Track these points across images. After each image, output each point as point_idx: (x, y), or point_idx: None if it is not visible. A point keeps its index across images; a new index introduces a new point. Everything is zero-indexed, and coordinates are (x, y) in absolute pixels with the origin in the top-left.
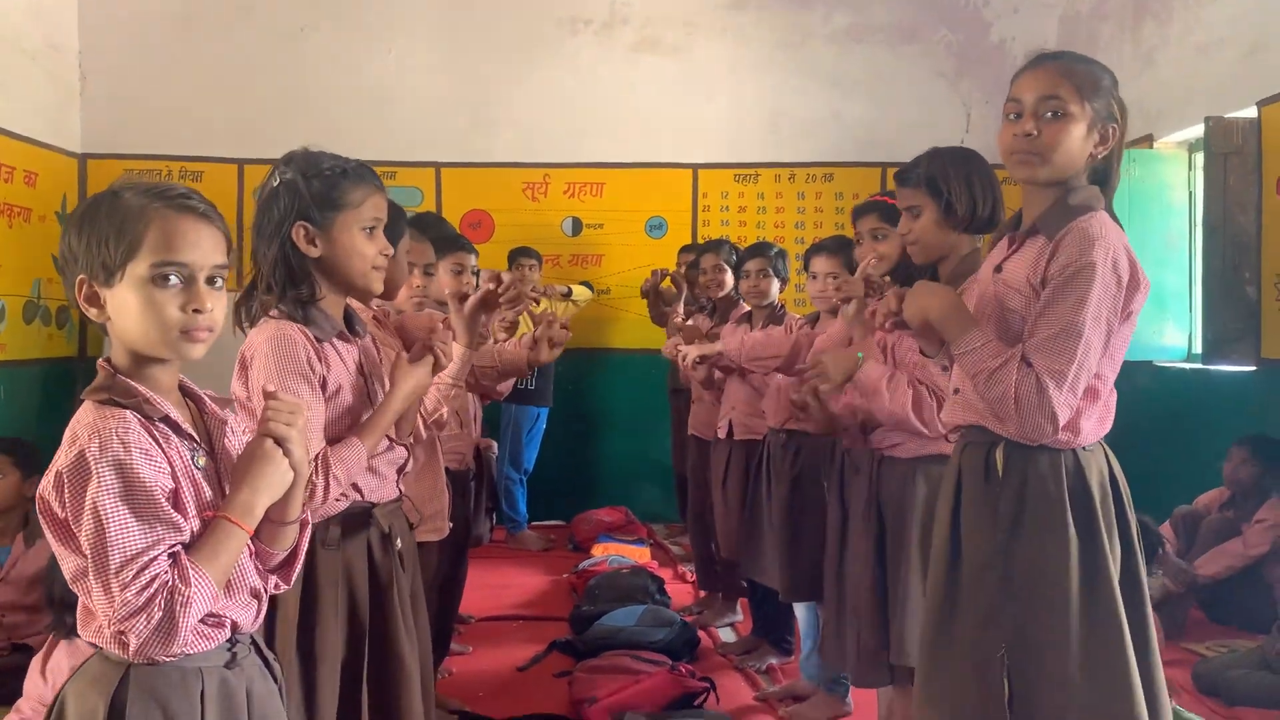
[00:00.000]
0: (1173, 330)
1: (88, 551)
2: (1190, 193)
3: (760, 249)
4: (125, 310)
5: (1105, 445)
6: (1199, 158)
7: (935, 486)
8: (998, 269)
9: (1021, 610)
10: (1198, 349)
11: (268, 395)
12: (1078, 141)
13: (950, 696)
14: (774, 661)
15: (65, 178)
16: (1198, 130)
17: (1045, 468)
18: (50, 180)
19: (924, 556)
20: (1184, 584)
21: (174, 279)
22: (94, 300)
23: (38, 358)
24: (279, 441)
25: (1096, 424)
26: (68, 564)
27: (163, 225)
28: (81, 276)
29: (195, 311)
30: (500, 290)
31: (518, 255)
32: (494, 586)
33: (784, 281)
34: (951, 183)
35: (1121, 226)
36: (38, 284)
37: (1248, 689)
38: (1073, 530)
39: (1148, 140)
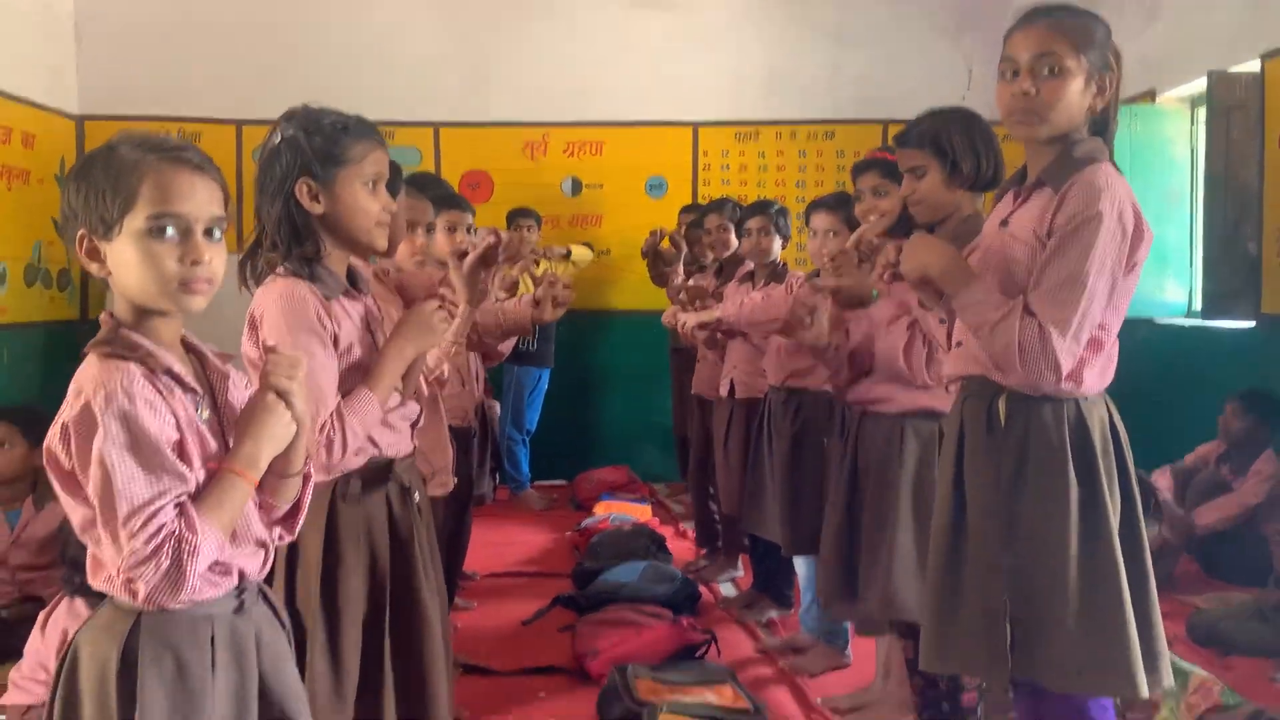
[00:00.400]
0: (1173, 286)
1: (95, 502)
2: (1192, 148)
3: (761, 207)
4: (124, 263)
5: (1107, 396)
6: (1201, 112)
7: (926, 441)
8: (1004, 223)
9: (1023, 558)
10: (1198, 305)
11: (268, 350)
12: (1076, 96)
13: (958, 645)
14: (774, 615)
15: (63, 140)
16: (1200, 85)
17: (1048, 418)
18: (48, 142)
19: (916, 512)
20: (1183, 533)
21: (170, 231)
22: (94, 255)
23: (40, 320)
24: (280, 394)
25: (1099, 375)
26: (75, 514)
27: (157, 178)
28: (82, 232)
29: (193, 263)
30: (501, 246)
31: (516, 216)
32: (497, 544)
33: (786, 239)
34: (955, 141)
35: (1122, 175)
36: (38, 246)
37: (1242, 639)
38: (1074, 480)
39: (1150, 95)
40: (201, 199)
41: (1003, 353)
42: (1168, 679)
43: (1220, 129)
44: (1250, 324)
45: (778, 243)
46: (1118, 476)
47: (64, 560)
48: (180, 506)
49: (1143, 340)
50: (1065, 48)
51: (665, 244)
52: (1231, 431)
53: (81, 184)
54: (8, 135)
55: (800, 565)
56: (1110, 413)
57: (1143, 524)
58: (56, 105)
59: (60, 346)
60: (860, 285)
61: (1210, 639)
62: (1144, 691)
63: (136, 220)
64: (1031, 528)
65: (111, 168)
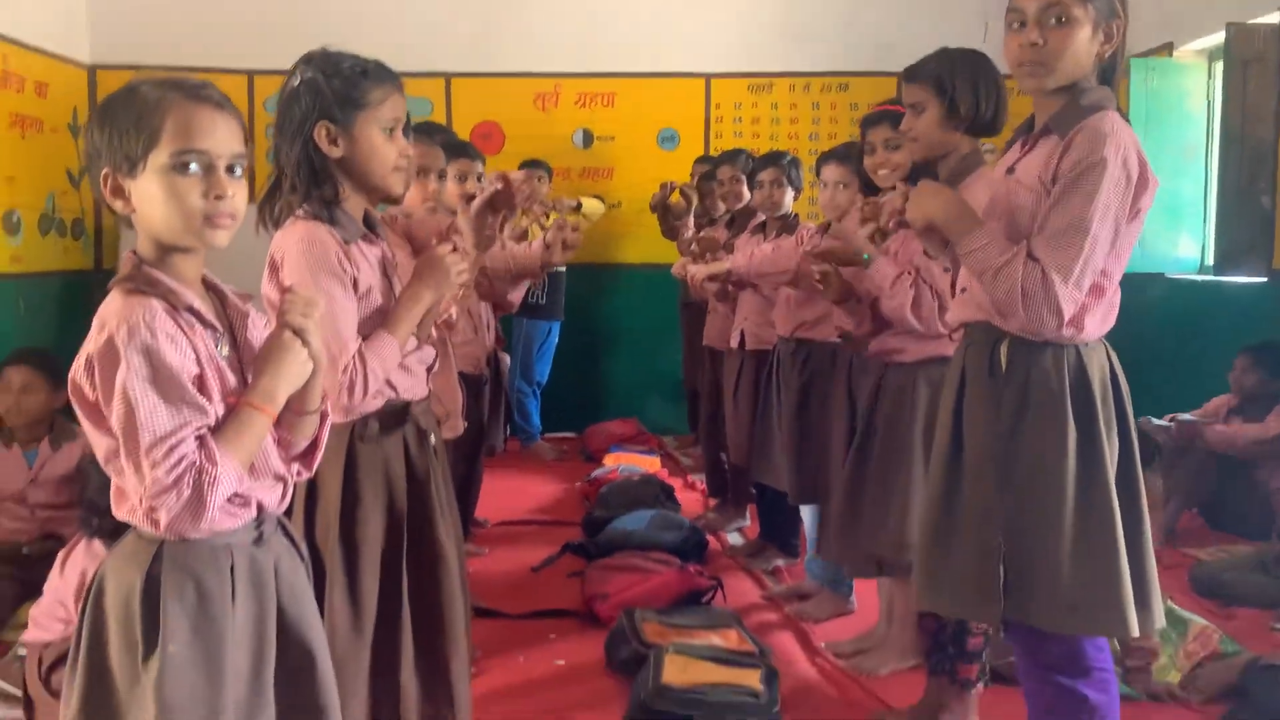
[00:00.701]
0: (1186, 241)
1: (118, 433)
2: (1209, 102)
3: (774, 158)
4: (149, 200)
5: (1107, 343)
6: (1219, 66)
7: (936, 389)
8: (1010, 170)
9: (1019, 501)
10: (1210, 260)
11: (284, 290)
12: (1083, 45)
13: (951, 585)
14: (780, 563)
15: (76, 89)
16: (1218, 38)
17: (1048, 363)
18: (61, 91)
19: (927, 457)
20: (1186, 436)
21: (194, 167)
22: (119, 193)
23: (55, 270)
24: (297, 332)
25: (1100, 321)
26: (99, 446)
27: (180, 114)
28: (106, 170)
29: (217, 198)
30: (515, 186)
31: (527, 167)
32: (509, 493)
33: (798, 190)
34: (957, 82)
35: (1129, 124)
36: (52, 196)
37: (1244, 590)
38: (1072, 425)
39: (1167, 48)
40: (223, 135)
41: (1005, 298)
42: (1160, 620)
43: (1237, 82)
44: (1263, 279)
45: (789, 194)
46: (1116, 422)
47: (82, 502)
48: (200, 438)
49: (1155, 296)
50: None
51: (675, 197)
52: (1243, 386)
53: (105, 123)
54: (21, 84)
55: (807, 514)
56: (1110, 359)
57: (1139, 469)
58: (69, 54)
59: (75, 295)
60: (849, 248)
61: (1213, 591)
62: (1135, 630)
63: (161, 157)
64: (1029, 470)
65: (134, 106)
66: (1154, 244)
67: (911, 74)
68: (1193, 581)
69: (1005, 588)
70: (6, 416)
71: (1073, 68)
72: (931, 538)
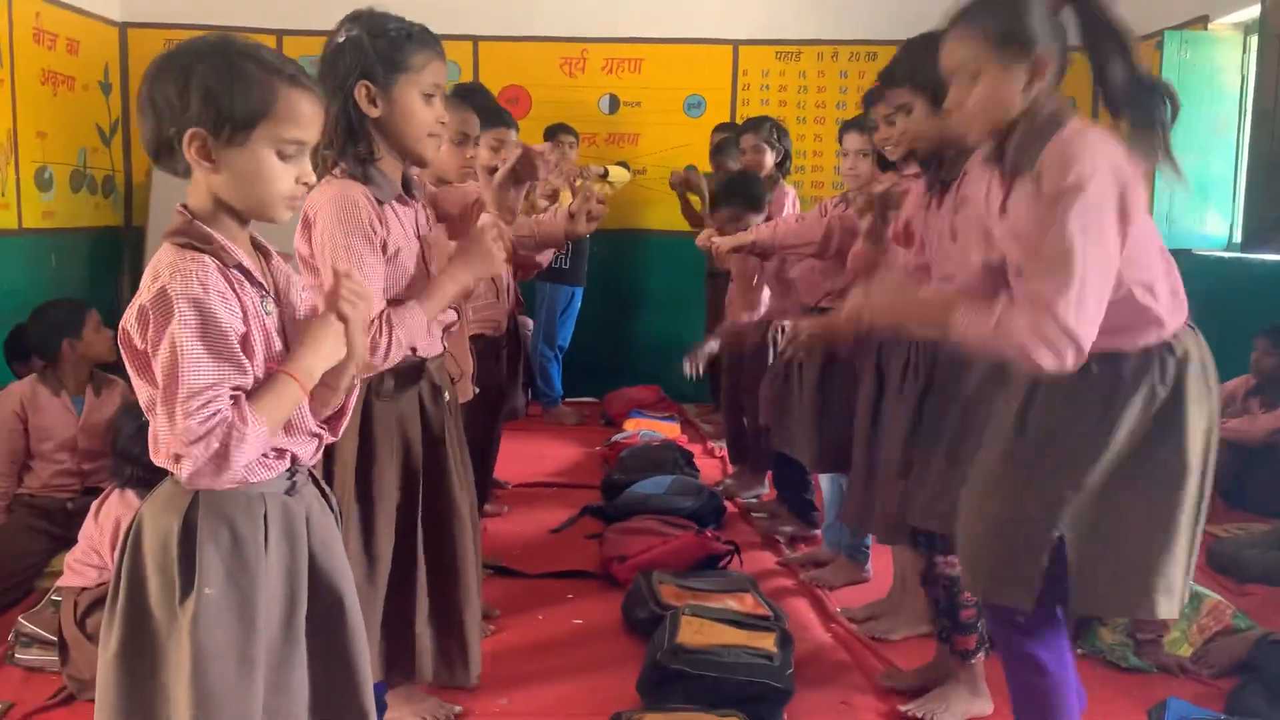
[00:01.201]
0: (1214, 217)
1: (160, 380)
2: (1243, 77)
3: (754, 124)
4: (241, 171)
5: (1196, 330)
6: (1254, 40)
7: (991, 366)
8: (1003, 210)
9: (1085, 492)
10: (1238, 238)
11: (341, 275)
12: (993, 95)
13: (1000, 573)
14: (797, 530)
15: (107, 47)
16: (1254, 11)
17: (1136, 359)
18: (92, 49)
19: (966, 428)
20: None
21: (293, 153)
22: (205, 154)
23: (85, 226)
24: (342, 318)
25: (1173, 313)
26: (143, 394)
27: (290, 101)
28: (197, 130)
29: (304, 185)
30: (538, 157)
31: (555, 132)
32: (529, 456)
33: (782, 153)
34: (930, 72)
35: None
36: (83, 153)
37: (1261, 568)
38: (1155, 419)
39: (1202, 21)
40: (318, 126)
41: (1019, 353)
42: (1183, 603)
43: (1271, 56)
44: None
45: (770, 156)
46: (1205, 410)
47: (114, 452)
48: (236, 399)
49: (1182, 272)
50: (971, 53)
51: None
52: (1262, 367)
53: (201, 85)
54: (53, 41)
55: (824, 483)
56: (1199, 348)
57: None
58: (100, 12)
59: (104, 251)
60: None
61: (1230, 568)
62: (1164, 615)
63: (268, 137)
64: (1099, 462)
65: (242, 79)
66: (1182, 220)
67: (887, 79)
68: (1210, 559)
69: (1060, 577)
70: (100, 359)
71: (997, 117)
72: (986, 522)
